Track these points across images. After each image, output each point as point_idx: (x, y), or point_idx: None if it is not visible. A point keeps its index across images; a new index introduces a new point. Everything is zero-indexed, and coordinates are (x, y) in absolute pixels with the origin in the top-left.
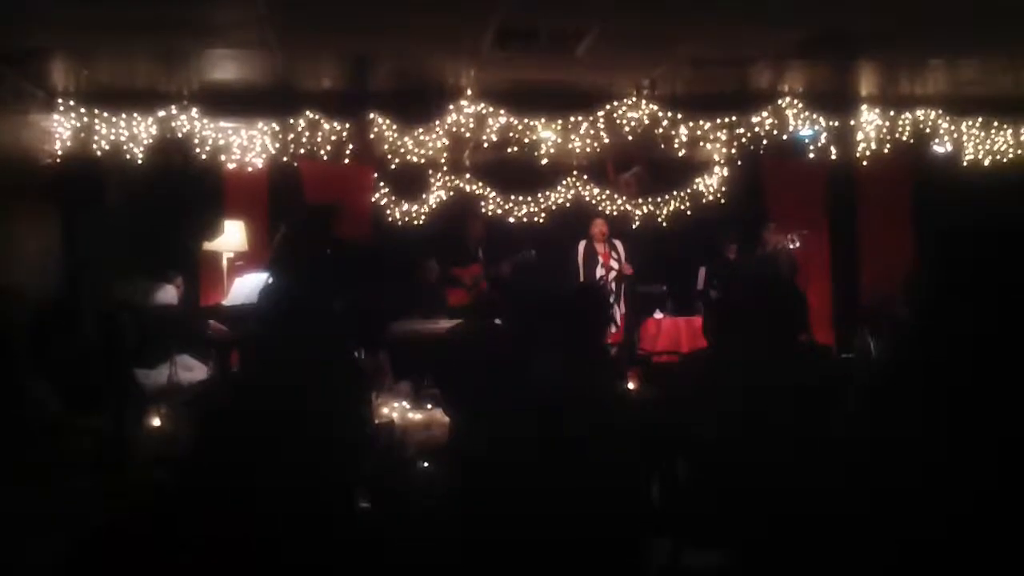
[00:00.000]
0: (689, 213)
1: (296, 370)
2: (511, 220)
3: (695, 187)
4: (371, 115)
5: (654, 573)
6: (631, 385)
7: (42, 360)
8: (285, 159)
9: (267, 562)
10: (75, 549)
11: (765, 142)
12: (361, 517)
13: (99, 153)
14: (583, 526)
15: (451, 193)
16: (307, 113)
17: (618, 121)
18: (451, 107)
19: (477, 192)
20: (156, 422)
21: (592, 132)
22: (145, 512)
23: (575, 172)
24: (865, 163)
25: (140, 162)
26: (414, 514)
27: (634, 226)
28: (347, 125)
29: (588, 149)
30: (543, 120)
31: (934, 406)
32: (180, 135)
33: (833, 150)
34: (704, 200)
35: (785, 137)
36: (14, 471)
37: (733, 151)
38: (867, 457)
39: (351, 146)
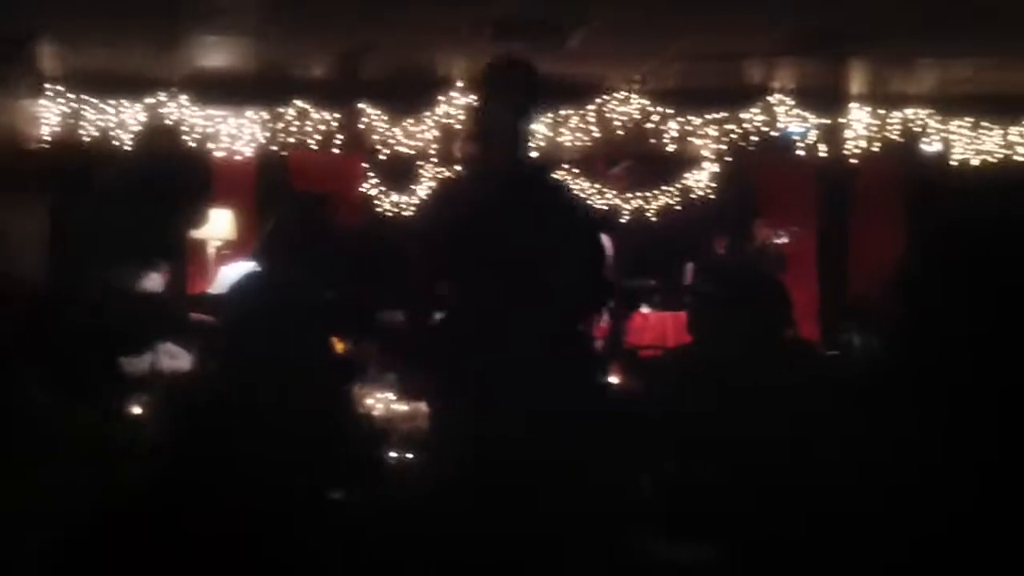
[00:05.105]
0: (678, 208)
1: (279, 359)
2: None
3: (685, 182)
4: (361, 105)
5: (643, 566)
6: (615, 379)
7: (26, 348)
8: (274, 148)
9: (244, 554)
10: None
11: (755, 138)
12: (341, 508)
13: (86, 139)
14: (570, 520)
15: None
16: (297, 102)
17: (608, 115)
18: (442, 98)
19: None
20: (138, 410)
21: (582, 126)
22: (124, 504)
23: (565, 165)
24: (855, 160)
25: (128, 149)
26: (396, 506)
27: (623, 220)
28: (337, 114)
29: (578, 143)
30: None
31: (927, 404)
32: (168, 122)
33: (823, 147)
34: (693, 195)
35: (775, 133)
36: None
37: (723, 147)
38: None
39: (341, 136)
